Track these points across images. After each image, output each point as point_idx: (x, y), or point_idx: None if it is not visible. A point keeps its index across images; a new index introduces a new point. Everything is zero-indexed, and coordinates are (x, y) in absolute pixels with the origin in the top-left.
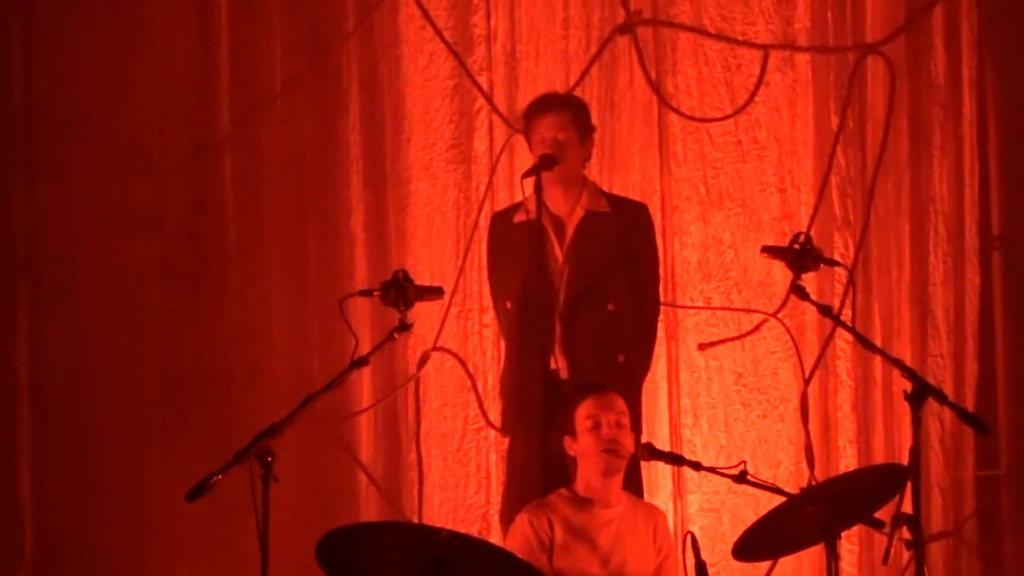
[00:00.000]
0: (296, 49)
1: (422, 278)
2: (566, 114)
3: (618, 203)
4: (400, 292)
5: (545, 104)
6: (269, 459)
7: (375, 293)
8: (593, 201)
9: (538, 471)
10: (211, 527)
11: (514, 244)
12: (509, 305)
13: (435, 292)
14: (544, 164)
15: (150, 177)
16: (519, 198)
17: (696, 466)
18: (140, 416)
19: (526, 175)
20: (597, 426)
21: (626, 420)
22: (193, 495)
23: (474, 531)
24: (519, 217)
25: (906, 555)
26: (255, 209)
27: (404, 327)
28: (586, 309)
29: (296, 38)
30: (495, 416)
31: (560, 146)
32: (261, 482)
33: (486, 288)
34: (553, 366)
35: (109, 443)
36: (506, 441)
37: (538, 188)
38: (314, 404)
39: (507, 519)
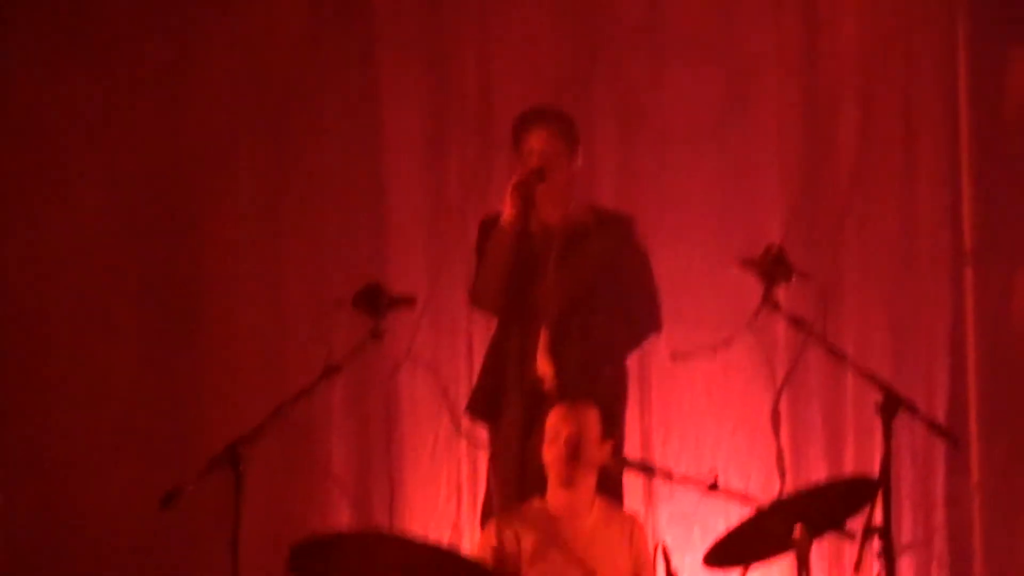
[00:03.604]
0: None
1: (397, 286)
2: (555, 126)
3: (603, 217)
4: (373, 301)
5: (534, 116)
6: (241, 467)
7: (347, 303)
8: (580, 215)
9: (514, 476)
10: (183, 535)
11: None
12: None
13: (407, 301)
14: (533, 176)
15: (122, 189)
16: (501, 208)
17: (667, 476)
18: (112, 425)
19: (514, 186)
20: (557, 437)
21: (594, 433)
22: (166, 502)
23: (444, 540)
24: (513, 227)
25: (876, 566)
26: (228, 217)
27: (376, 336)
28: (573, 321)
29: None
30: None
31: (549, 158)
32: (233, 490)
33: (460, 296)
34: (539, 374)
35: (78, 451)
36: (478, 453)
37: (526, 199)
38: (286, 413)
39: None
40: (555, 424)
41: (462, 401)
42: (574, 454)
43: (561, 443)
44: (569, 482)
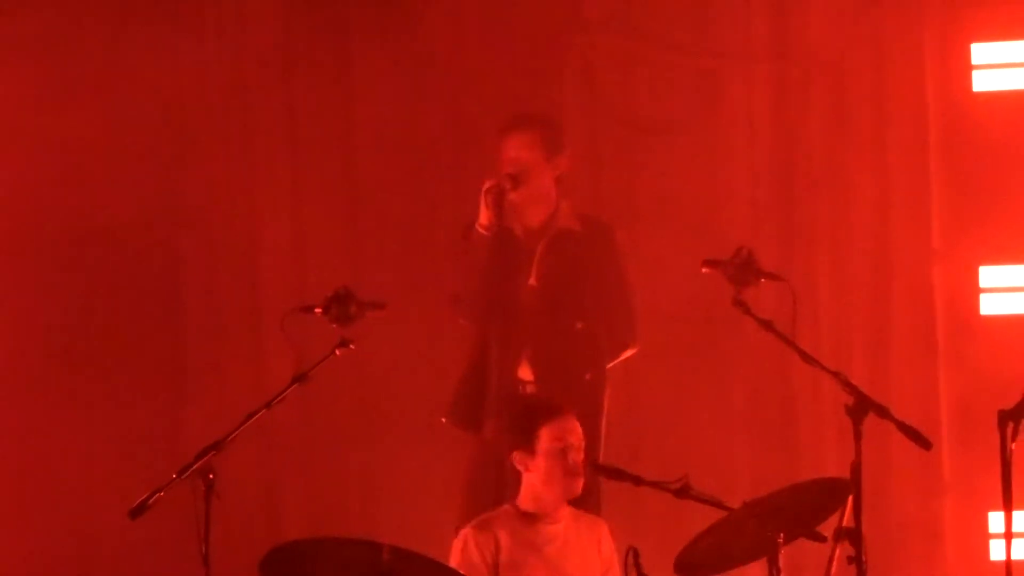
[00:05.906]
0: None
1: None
2: (532, 133)
3: (588, 222)
4: (342, 308)
5: (512, 123)
6: (211, 476)
7: (316, 310)
8: (564, 220)
9: (495, 481)
10: (155, 544)
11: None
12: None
13: (378, 306)
14: (506, 182)
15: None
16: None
17: (638, 480)
18: (87, 433)
19: (487, 192)
20: (564, 449)
21: (583, 444)
22: (135, 513)
23: (425, 541)
24: (489, 231)
25: (848, 569)
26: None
27: (344, 343)
28: (555, 326)
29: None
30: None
31: (524, 165)
32: (203, 499)
33: (432, 300)
34: (523, 377)
35: (54, 454)
36: (451, 457)
37: (498, 205)
38: (256, 421)
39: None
40: (560, 436)
41: (435, 405)
42: (579, 466)
43: (571, 456)
44: (570, 494)
